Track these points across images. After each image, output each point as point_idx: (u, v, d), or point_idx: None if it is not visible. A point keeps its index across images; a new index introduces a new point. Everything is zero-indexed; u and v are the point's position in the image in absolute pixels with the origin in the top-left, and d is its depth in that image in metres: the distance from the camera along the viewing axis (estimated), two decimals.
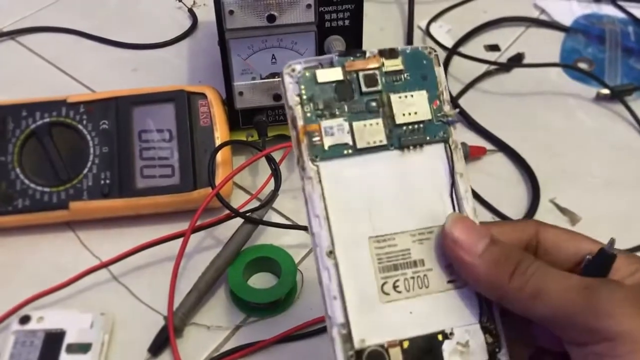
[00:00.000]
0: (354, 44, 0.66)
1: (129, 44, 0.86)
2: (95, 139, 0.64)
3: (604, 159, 0.73)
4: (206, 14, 0.90)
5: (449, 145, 0.36)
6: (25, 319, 0.55)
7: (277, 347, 0.56)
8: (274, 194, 0.62)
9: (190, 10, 0.91)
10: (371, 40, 0.71)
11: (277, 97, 0.66)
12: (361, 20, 0.65)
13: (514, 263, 0.33)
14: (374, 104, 0.35)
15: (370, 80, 0.36)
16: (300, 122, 0.34)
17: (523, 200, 0.69)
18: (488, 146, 0.73)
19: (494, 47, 0.87)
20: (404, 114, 0.35)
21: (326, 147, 0.34)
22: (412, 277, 0.34)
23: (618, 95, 0.79)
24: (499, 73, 0.83)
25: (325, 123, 0.35)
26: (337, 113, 0.35)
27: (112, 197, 0.62)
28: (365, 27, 0.66)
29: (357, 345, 0.33)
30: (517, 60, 0.84)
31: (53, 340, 0.54)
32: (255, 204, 0.63)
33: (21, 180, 0.62)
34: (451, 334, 0.34)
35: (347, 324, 0.33)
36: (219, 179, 0.62)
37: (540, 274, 0.32)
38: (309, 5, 0.61)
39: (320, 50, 0.65)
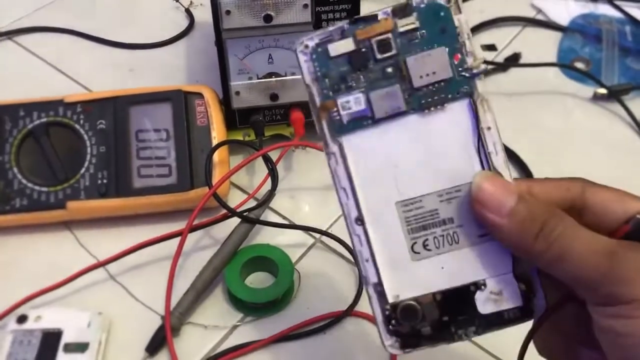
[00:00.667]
0: None
1: (126, 44, 0.86)
2: (93, 139, 0.64)
3: (601, 158, 0.73)
4: (203, 14, 0.90)
5: (473, 99, 0.35)
6: (22, 318, 0.55)
7: (274, 346, 0.56)
8: (270, 194, 0.62)
9: (187, 10, 0.91)
10: None
11: (274, 96, 0.66)
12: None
13: (540, 223, 0.32)
14: (390, 69, 0.35)
15: (384, 46, 0.35)
16: (317, 100, 0.35)
17: None
18: None
19: (490, 47, 0.87)
20: (421, 76, 0.35)
21: (345, 122, 0.35)
22: (442, 235, 0.35)
23: (615, 95, 0.79)
24: (495, 73, 0.83)
25: (342, 98, 0.35)
26: (354, 85, 0.35)
27: (109, 197, 0.62)
28: None
29: (391, 300, 0.35)
30: (514, 60, 0.85)
31: (50, 339, 0.54)
32: (252, 203, 0.63)
33: (18, 179, 0.62)
34: (484, 285, 0.35)
35: (380, 283, 0.35)
36: (215, 178, 0.62)
37: (567, 235, 0.32)
38: (305, 5, 0.61)
39: None
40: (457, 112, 0.35)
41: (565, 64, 0.84)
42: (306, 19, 0.62)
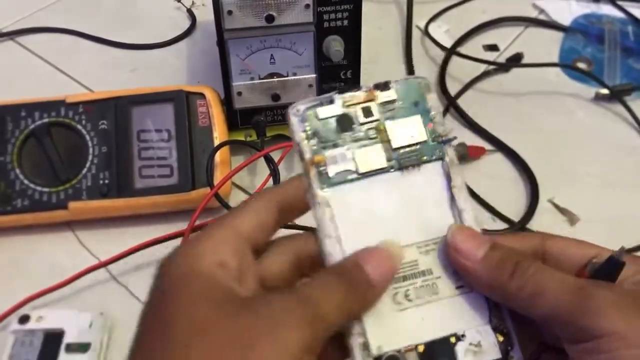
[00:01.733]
0: (352, 44, 0.66)
1: (127, 44, 0.86)
2: (94, 139, 0.64)
3: (603, 158, 0.73)
4: (205, 14, 0.90)
5: (446, 162, 0.38)
6: (24, 319, 0.55)
7: None
8: None
9: (189, 11, 0.91)
10: (370, 41, 0.71)
11: (276, 97, 0.66)
12: (360, 20, 0.65)
13: (513, 264, 0.34)
14: (372, 132, 0.38)
15: (367, 111, 0.38)
16: (307, 155, 0.37)
17: (522, 200, 0.69)
18: (487, 146, 0.73)
19: (492, 47, 0.87)
20: (400, 138, 0.38)
21: (332, 175, 0.37)
22: (422, 286, 0.37)
23: (617, 95, 0.79)
24: (497, 73, 0.83)
25: (330, 153, 0.37)
26: (340, 143, 0.38)
27: (111, 197, 0.62)
28: (364, 27, 0.66)
29: (374, 351, 0.35)
30: (516, 60, 0.84)
31: (52, 339, 0.54)
32: None
33: (20, 180, 0.62)
34: (463, 335, 0.36)
35: (363, 333, 0.35)
36: (217, 179, 0.62)
37: (540, 274, 0.33)
38: (307, 6, 0.61)
39: (319, 50, 0.65)
40: (431, 172, 0.38)
41: (567, 64, 0.84)
42: (308, 19, 0.62)
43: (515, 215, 0.67)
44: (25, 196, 0.62)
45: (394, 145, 0.38)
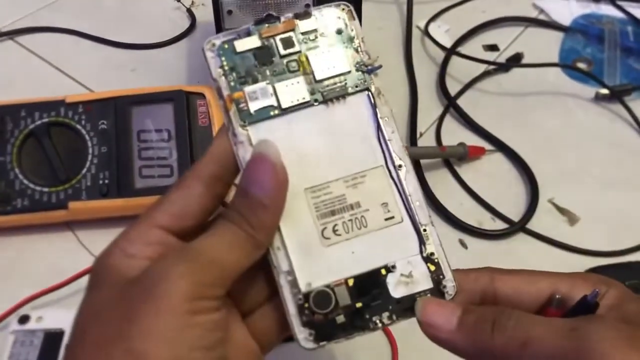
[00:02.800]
0: None
1: (127, 44, 0.86)
2: (94, 139, 0.64)
3: (603, 158, 0.73)
4: (204, 13, 0.90)
5: (371, 92, 0.38)
6: (24, 319, 0.55)
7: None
8: None
9: (189, 10, 0.91)
10: (370, 41, 0.71)
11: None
12: (359, 20, 0.65)
13: (491, 321, 0.33)
14: (294, 64, 0.37)
15: (287, 42, 0.37)
16: (225, 92, 0.37)
17: (522, 200, 0.69)
18: (487, 146, 0.73)
19: (492, 47, 0.87)
20: (322, 70, 0.37)
21: (252, 112, 0.37)
22: (350, 220, 0.37)
23: (617, 95, 0.79)
24: (497, 73, 0.83)
25: (249, 89, 0.37)
26: (260, 78, 0.37)
27: (111, 197, 0.62)
28: (364, 27, 0.66)
29: (303, 288, 0.36)
30: (515, 60, 0.84)
31: (52, 339, 0.54)
32: None
33: (20, 180, 0.62)
34: (394, 267, 0.36)
35: (292, 271, 0.36)
36: None
37: (523, 323, 0.32)
38: (307, 5, 0.61)
39: None
40: (357, 104, 0.38)
41: (567, 64, 0.84)
42: None
43: (515, 215, 0.67)
44: (24, 196, 0.62)
45: (317, 77, 0.37)
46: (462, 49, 0.85)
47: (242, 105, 0.36)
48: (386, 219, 0.37)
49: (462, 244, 0.65)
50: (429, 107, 0.78)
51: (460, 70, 0.82)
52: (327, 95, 0.37)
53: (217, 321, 0.32)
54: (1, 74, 0.81)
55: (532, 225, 0.66)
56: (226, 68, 0.37)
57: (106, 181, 0.62)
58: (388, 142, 0.37)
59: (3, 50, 0.85)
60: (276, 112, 0.37)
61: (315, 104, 0.37)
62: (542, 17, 0.92)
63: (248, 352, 0.37)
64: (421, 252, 0.36)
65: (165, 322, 0.30)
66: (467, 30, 0.88)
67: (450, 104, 0.78)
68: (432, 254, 0.36)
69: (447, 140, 0.74)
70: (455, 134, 0.75)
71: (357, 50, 0.38)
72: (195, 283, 0.31)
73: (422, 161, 0.71)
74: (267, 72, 0.37)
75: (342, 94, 0.37)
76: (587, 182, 0.71)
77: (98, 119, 0.65)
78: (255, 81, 0.37)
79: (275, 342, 0.38)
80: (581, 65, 0.84)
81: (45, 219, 0.63)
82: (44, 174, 0.63)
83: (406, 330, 0.56)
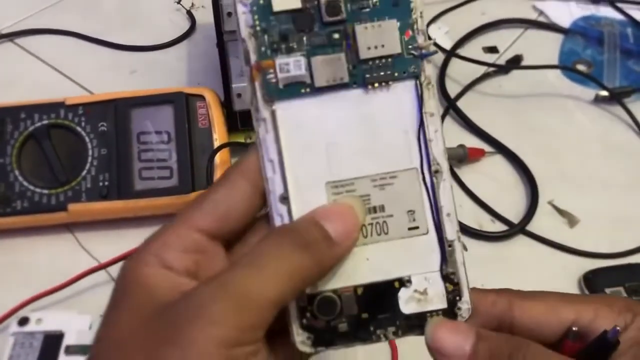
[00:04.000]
0: None
1: (127, 46, 0.86)
2: (94, 141, 0.64)
3: (603, 160, 0.73)
4: (204, 16, 0.90)
5: (420, 81, 0.33)
6: (23, 321, 0.55)
7: None
8: None
9: (189, 12, 0.91)
10: None
11: None
12: None
13: (506, 356, 0.30)
14: (336, 35, 0.33)
15: (333, 8, 0.32)
16: (253, 57, 0.32)
17: (522, 202, 0.69)
18: (487, 148, 0.73)
19: (492, 49, 0.87)
20: (369, 48, 0.33)
21: (281, 86, 0.32)
22: (371, 224, 0.33)
23: (617, 97, 0.79)
24: (497, 75, 0.83)
25: (281, 59, 0.32)
26: (295, 47, 0.32)
27: (111, 199, 0.62)
28: None
29: (308, 290, 0.32)
30: (515, 62, 0.84)
31: (52, 342, 0.54)
32: None
33: (20, 182, 0.62)
34: (409, 281, 0.33)
35: None
36: None
37: None
38: None
39: None
40: (401, 93, 0.33)
41: (566, 66, 0.84)
42: None
43: (515, 217, 0.67)
44: (24, 198, 0.62)
45: (362, 56, 0.32)
46: (461, 51, 0.85)
47: (270, 76, 0.32)
48: (410, 229, 0.33)
49: (462, 246, 0.65)
50: None
51: (460, 72, 0.82)
52: (369, 78, 0.33)
53: None
54: (1, 76, 0.81)
55: (532, 227, 0.66)
56: (258, 29, 0.32)
57: (106, 183, 0.62)
58: (429, 142, 0.33)
59: (3, 52, 0.85)
60: (308, 90, 0.32)
61: (354, 86, 0.33)
62: (541, 19, 0.93)
63: None
64: (441, 269, 0.34)
65: None
66: (466, 32, 0.88)
67: (450, 105, 0.78)
68: (452, 272, 0.34)
69: (446, 142, 0.74)
70: (454, 136, 0.75)
71: (412, 28, 0.33)
72: (234, 327, 0.27)
73: None
74: (305, 41, 0.32)
75: (386, 80, 0.33)
76: (587, 184, 0.71)
77: (98, 121, 0.65)
78: (290, 50, 0.32)
79: None
80: (581, 67, 0.84)
81: (45, 221, 0.63)
82: (43, 176, 0.63)
83: None
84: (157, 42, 0.86)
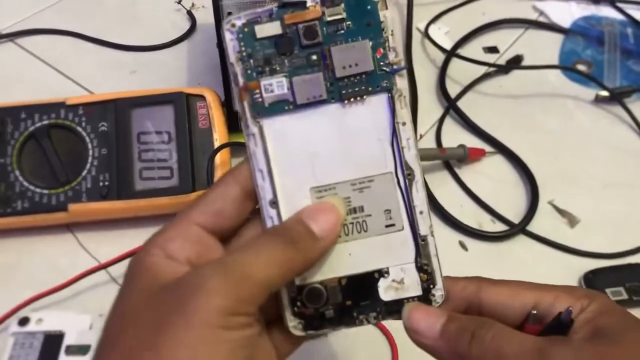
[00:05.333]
0: None
1: (127, 46, 0.86)
2: (94, 141, 0.64)
3: (603, 160, 0.73)
4: (205, 16, 0.90)
5: (392, 94, 0.36)
6: (24, 321, 0.55)
7: None
8: None
9: (189, 12, 0.91)
10: None
11: None
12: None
13: (470, 332, 0.34)
14: (314, 57, 0.36)
15: (310, 32, 0.36)
16: (241, 80, 0.36)
17: (522, 202, 0.69)
18: (487, 148, 0.73)
19: (492, 49, 0.87)
20: (344, 67, 0.36)
21: (267, 104, 0.36)
22: (352, 223, 0.37)
23: (617, 97, 0.79)
24: (497, 75, 0.83)
25: (265, 81, 0.36)
26: (278, 69, 0.36)
27: (111, 199, 0.62)
28: None
29: (298, 282, 0.36)
30: (515, 62, 0.85)
31: (52, 341, 0.54)
32: None
33: (20, 182, 0.62)
34: (387, 272, 0.37)
35: None
36: None
37: (499, 338, 0.33)
38: None
39: None
40: (375, 105, 0.36)
41: (567, 67, 0.84)
42: None
43: (516, 217, 0.67)
44: (25, 198, 0.62)
45: (338, 75, 0.36)
46: (462, 51, 0.85)
47: (256, 96, 0.36)
48: (387, 226, 0.37)
49: (462, 245, 0.65)
50: (429, 109, 0.78)
51: (460, 72, 0.82)
52: (345, 94, 0.36)
53: (248, 337, 0.32)
54: (2, 76, 0.81)
55: (532, 227, 0.66)
56: (244, 54, 0.36)
57: (106, 183, 0.62)
58: (402, 149, 0.37)
59: (4, 52, 0.85)
60: (291, 107, 0.36)
61: (332, 101, 0.36)
62: (542, 19, 0.93)
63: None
64: (416, 261, 0.37)
65: (197, 336, 0.30)
66: (467, 32, 0.88)
67: (451, 105, 0.78)
68: (426, 264, 0.37)
69: (447, 142, 0.74)
70: (455, 136, 0.75)
71: (384, 47, 0.36)
72: (231, 298, 0.31)
73: (422, 163, 0.70)
74: (286, 63, 0.36)
75: (361, 94, 0.36)
76: (587, 184, 0.71)
77: (98, 121, 0.65)
78: (273, 72, 0.36)
79: (292, 350, 0.39)
80: (581, 68, 0.84)
81: (45, 221, 0.63)
82: (44, 176, 0.63)
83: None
84: (157, 42, 0.86)
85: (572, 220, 0.67)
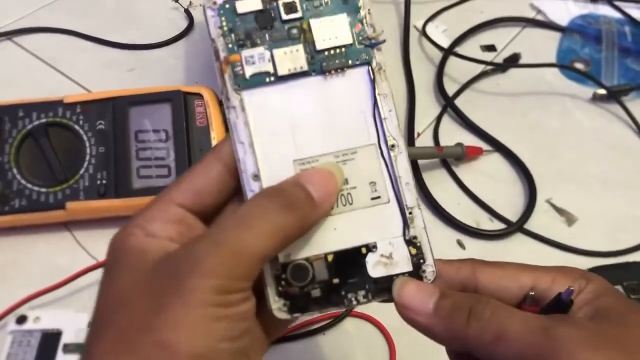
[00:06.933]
0: None
1: (125, 44, 0.86)
2: (92, 139, 0.64)
3: (601, 159, 0.73)
4: (202, 14, 0.90)
5: (372, 67, 0.37)
6: (21, 319, 0.55)
7: (273, 347, 0.56)
8: None
9: (187, 11, 0.91)
10: None
11: None
12: None
13: (467, 309, 0.32)
14: (294, 31, 0.37)
15: (290, 7, 0.37)
16: (222, 54, 0.36)
17: (520, 201, 0.69)
18: (484, 146, 0.73)
19: (490, 48, 0.87)
20: (324, 40, 0.37)
21: (248, 76, 0.36)
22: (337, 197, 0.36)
23: (615, 96, 0.79)
24: (495, 73, 0.83)
25: (246, 52, 0.36)
26: (259, 42, 0.36)
27: (109, 197, 0.62)
28: None
29: (282, 259, 0.35)
30: (513, 61, 0.85)
31: (50, 340, 0.54)
32: None
33: (18, 180, 0.62)
34: (374, 247, 0.36)
35: None
36: None
37: (500, 315, 0.32)
38: None
39: None
40: (356, 78, 0.37)
41: (564, 65, 0.84)
42: None
43: (513, 215, 0.67)
44: (22, 196, 0.62)
45: (318, 47, 0.37)
46: (459, 49, 0.85)
47: (237, 69, 0.36)
48: (372, 199, 0.36)
49: (460, 244, 0.65)
50: (427, 108, 0.78)
51: (457, 71, 0.82)
52: (326, 66, 0.36)
53: (245, 312, 0.32)
54: None
55: (530, 225, 0.66)
56: (225, 29, 0.36)
57: (104, 181, 0.62)
58: (383, 120, 0.37)
59: (1, 50, 0.85)
60: (272, 79, 0.36)
61: (313, 74, 0.36)
62: (539, 17, 0.93)
63: (260, 340, 0.36)
64: (404, 234, 0.36)
65: (195, 316, 0.29)
66: (464, 30, 0.88)
67: (448, 104, 0.78)
68: (415, 237, 0.36)
69: (444, 141, 0.74)
70: (452, 134, 0.75)
71: (362, 22, 0.37)
72: (226, 277, 0.30)
73: (420, 161, 0.71)
74: (267, 37, 0.36)
75: (341, 67, 0.37)
76: (585, 182, 0.71)
77: (96, 119, 0.65)
78: (254, 45, 0.36)
79: (280, 330, 0.38)
80: (579, 66, 0.85)
81: (43, 219, 0.63)
82: (41, 174, 0.63)
83: (404, 330, 0.56)
84: (155, 41, 0.86)
85: (569, 219, 0.67)
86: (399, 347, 0.56)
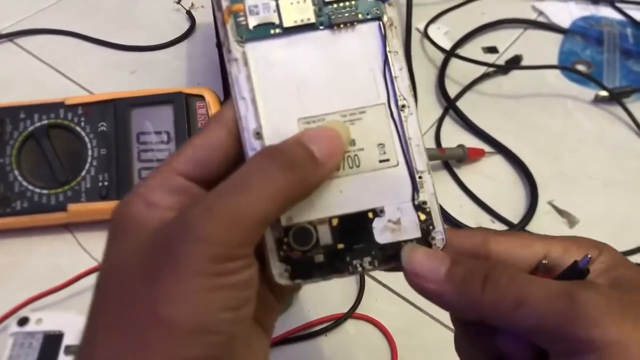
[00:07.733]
0: None
1: (127, 46, 0.86)
2: (93, 141, 0.64)
3: (602, 161, 0.73)
4: (204, 15, 0.90)
5: (383, 22, 0.35)
6: (23, 321, 0.55)
7: (275, 349, 0.56)
8: None
9: (188, 12, 0.91)
10: None
11: None
12: None
13: (482, 275, 0.31)
14: None
15: None
16: (224, 3, 0.34)
17: (521, 202, 0.69)
18: (486, 148, 0.73)
19: (492, 49, 0.87)
20: None
21: (251, 27, 0.34)
22: (343, 157, 0.34)
23: (616, 98, 0.79)
24: (497, 75, 0.83)
25: (250, 1, 0.34)
26: None
27: (110, 199, 0.62)
28: None
29: (284, 222, 0.33)
30: (515, 62, 0.84)
31: (51, 342, 0.54)
32: None
33: (19, 182, 0.62)
34: (382, 211, 0.34)
35: None
36: None
37: (516, 281, 0.30)
38: None
39: None
40: (366, 34, 0.35)
41: (566, 67, 0.84)
42: None
43: (515, 217, 0.67)
44: (24, 198, 0.62)
45: None
46: (461, 51, 0.85)
47: (240, 19, 0.34)
48: (381, 161, 0.34)
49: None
50: (429, 109, 0.78)
51: (459, 73, 0.82)
52: (335, 19, 0.34)
53: (247, 280, 0.30)
54: (1, 76, 0.81)
55: (532, 227, 0.66)
56: None
57: (105, 183, 0.62)
58: (394, 79, 0.35)
59: (3, 52, 0.85)
60: (277, 31, 0.34)
61: (321, 27, 0.34)
62: (541, 19, 0.93)
63: (270, 305, 0.35)
64: (413, 199, 0.34)
65: (190, 286, 0.28)
66: (466, 32, 0.88)
67: (450, 106, 0.78)
68: (424, 202, 0.35)
69: (446, 142, 0.74)
70: (454, 136, 0.75)
71: None
72: (223, 244, 0.28)
73: None
74: None
75: (350, 20, 0.34)
76: (587, 184, 0.71)
77: (97, 121, 0.65)
78: None
79: (288, 291, 0.35)
80: (580, 68, 0.84)
81: (45, 221, 0.63)
82: (43, 176, 0.63)
83: (405, 330, 0.56)
84: (156, 42, 0.86)
85: (571, 221, 0.67)
86: (401, 348, 0.56)
